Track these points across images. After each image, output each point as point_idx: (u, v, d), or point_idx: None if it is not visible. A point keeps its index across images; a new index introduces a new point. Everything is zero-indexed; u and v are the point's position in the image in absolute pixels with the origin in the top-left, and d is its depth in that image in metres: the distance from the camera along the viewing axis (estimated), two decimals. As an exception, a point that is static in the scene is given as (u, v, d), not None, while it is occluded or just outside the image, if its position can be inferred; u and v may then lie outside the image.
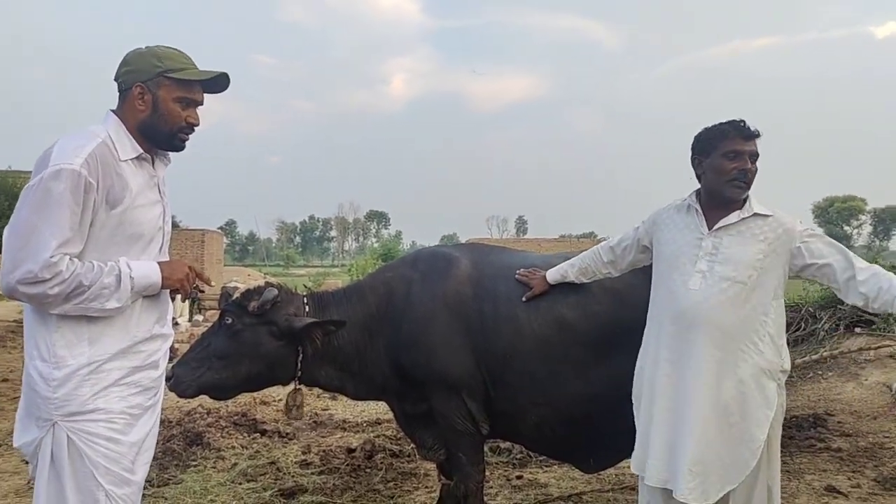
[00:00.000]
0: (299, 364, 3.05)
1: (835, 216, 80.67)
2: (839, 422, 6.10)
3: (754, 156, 2.54)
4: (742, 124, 2.55)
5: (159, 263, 2.11)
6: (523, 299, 3.09)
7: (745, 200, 2.57)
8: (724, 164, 2.53)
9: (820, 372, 8.35)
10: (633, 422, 2.81)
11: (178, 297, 2.31)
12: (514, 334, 3.03)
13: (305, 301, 3.20)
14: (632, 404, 2.78)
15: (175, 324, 11.37)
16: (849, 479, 4.47)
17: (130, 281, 1.99)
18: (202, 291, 2.44)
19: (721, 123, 2.58)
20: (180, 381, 2.87)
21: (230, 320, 3.00)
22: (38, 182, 1.88)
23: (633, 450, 2.69)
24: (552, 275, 3.06)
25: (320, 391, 7.85)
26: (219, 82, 2.20)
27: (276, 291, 3.02)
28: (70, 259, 1.89)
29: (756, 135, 2.55)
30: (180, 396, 2.97)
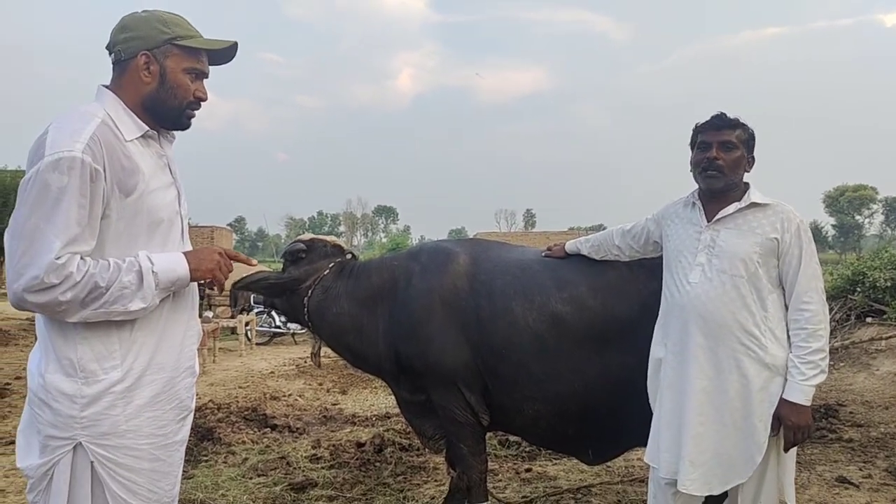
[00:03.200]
0: (306, 313, 3.40)
1: (846, 205, 79.97)
2: (850, 412, 6.07)
3: (726, 144, 2.53)
4: (717, 115, 2.58)
5: (185, 254, 1.87)
6: (542, 254, 3.27)
7: (744, 191, 2.56)
8: (696, 156, 2.61)
9: (831, 362, 8.28)
10: (631, 416, 2.83)
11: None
12: (509, 329, 3.04)
13: (331, 266, 3.47)
14: (628, 397, 2.83)
15: (207, 312, 11.36)
16: (860, 469, 4.46)
17: (154, 276, 1.75)
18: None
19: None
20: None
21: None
22: (34, 175, 1.63)
23: (632, 442, 2.70)
24: (570, 246, 3.22)
25: (329, 386, 7.90)
26: (226, 53, 1.98)
27: (300, 246, 3.51)
28: (82, 259, 1.66)
29: (729, 124, 2.55)
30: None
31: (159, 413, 1.85)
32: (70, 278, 1.63)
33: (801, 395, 2.36)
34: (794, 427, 2.37)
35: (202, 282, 1.96)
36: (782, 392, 2.41)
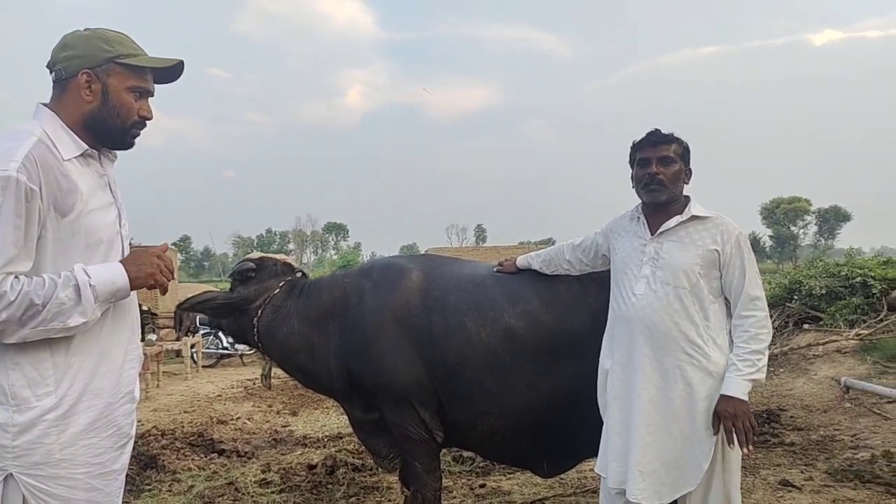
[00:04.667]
0: (256, 334, 3.35)
1: (781, 217, 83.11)
2: (791, 416, 6.27)
3: (665, 159, 2.61)
4: (652, 132, 2.66)
5: (122, 262, 1.82)
6: (494, 270, 3.27)
7: (685, 205, 2.64)
8: (637, 173, 2.68)
9: (771, 368, 8.59)
10: (584, 427, 2.87)
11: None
12: (462, 345, 3.04)
13: (282, 285, 3.41)
14: (582, 409, 2.86)
15: (150, 335, 10.93)
16: (802, 472, 4.59)
17: (92, 290, 1.69)
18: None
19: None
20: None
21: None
22: None
23: (586, 453, 2.72)
24: (521, 261, 3.23)
25: (279, 408, 7.73)
26: (172, 72, 1.94)
27: (249, 265, 3.46)
28: (15, 277, 1.61)
29: (665, 139, 2.64)
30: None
31: (96, 441, 1.78)
32: (4, 297, 1.58)
33: (737, 388, 2.40)
34: (732, 417, 2.38)
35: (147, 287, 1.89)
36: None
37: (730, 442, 2.40)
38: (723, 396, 2.43)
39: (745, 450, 2.42)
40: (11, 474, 1.66)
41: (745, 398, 2.42)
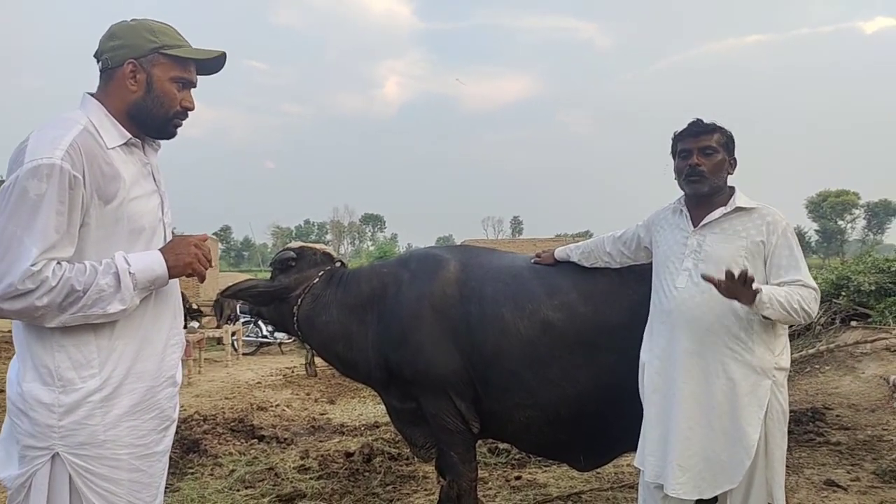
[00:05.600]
0: (295, 322, 3.38)
1: (828, 211, 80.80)
2: (837, 415, 6.10)
3: (707, 150, 2.55)
4: (693, 122, 2.61)
5: (161, 250, 1.84)
6: (532, 261, 3.24)
7: (730, 196, 2.58)
8: (679, 164, 2.63)
9: (817, 366, 8.37)
10: (623, 420, 2.84)
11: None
12: (499, 336, 3.03)
13: (321, 274, 3.45)
14: (620, 403, 2.84)
15: (193, 322, 11.18)
16: (848, 472, 4.47)
17: (131, 277, 1.72)
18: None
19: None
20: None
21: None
22: (13, 182, 1.63)
23: (624, 447, 2.70)
24: (559, 253, 3.20)
25: (317, 396, 7.84)
26: (215, 63, 1.96)
27: (290, 254, 3.50)
28: (58, 263, 1.65)
29: (706, 129, 2.58)
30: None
31: (139, 423, 1.83)
32: (46, 283, 1.62)
33: (763, 293, 2.27)
34: (725, 287, 2.26)
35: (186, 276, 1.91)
36: (770, 396, 2.41)
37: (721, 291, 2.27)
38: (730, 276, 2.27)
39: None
40: (58, 454, 1.71)
41: (753, 299, 2.26)
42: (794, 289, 2.38)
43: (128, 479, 1.80)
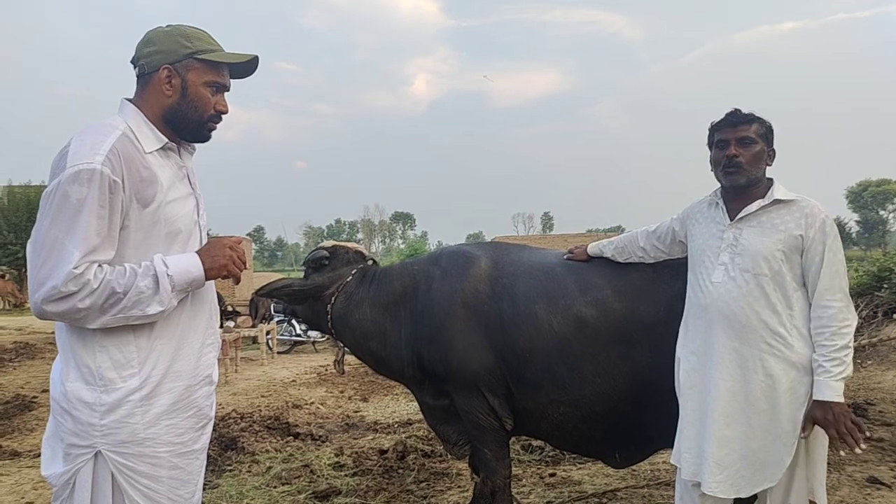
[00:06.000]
0: (329, 320, 3.42)
1: (869, 200, 78.52)
2: (880, 411, 5.95)
3: (745, 140, 2.50)
4: (731, 112, 2.55)
5: (198, 252, 1.89)
6: (564, 257, 3.23)
7: (768, 188, 2.52)
8: (716, 155, 2.58)
9: (859, 361, 8.16)
10: (658, 417, 2.81)
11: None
12: (532, 332, 3.02)
13: (354, 272, 3.49)
14: (655, 399, 2.81)
15: (228, 322, 11.38)
16: (891, 469, 4.36)
17: (169, 279, 1.77)
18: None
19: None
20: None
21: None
22: (55, 187, 1.67)
23: (660, 444, 2.66)
24: (592, 248, 3.18)
25: (351, 394, 7.91)
26: (247, 67, 2.00)
27: (323, 253, 3.55)
28: (99, 266, 1.69)
29: (744, 119, 2.52)
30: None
31: (177, 421, 1.87)
32: (88, 285, 1.66)
33: (830, 391, 2.30)
34: (833, 424, 2.28)
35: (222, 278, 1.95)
36: (811, 392, 2.36)
37: (841, 450, 2.29)
38: (817, 402, 2.32)
39: (859, 449, 2.28)
40: (100, 451, 1.76)
41: (841, 399, 2.30)
42: (830, 336, 2.33)
43: (167, 476, 1.84)
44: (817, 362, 2.34)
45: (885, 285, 10.00)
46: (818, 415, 2.30)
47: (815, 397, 2.33)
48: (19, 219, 27.06)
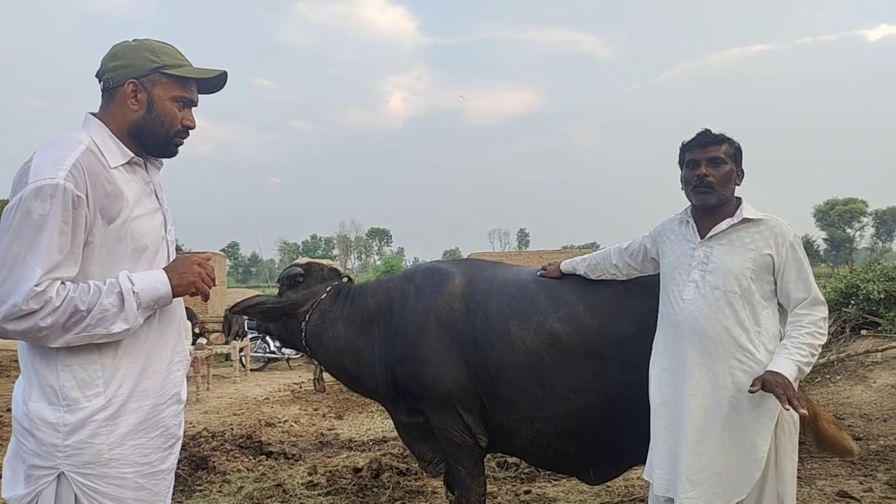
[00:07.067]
0: (303, 338, 3.42)
1: (836, 219, 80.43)
2: (849, 425, 6.05)
3: (715, 160, 2.55)
4: (702, 132, 2.60)
5: (165, 269, 1.85)
6: (538, 274, 3.24)
7: (737, 207, 2.58)
8: (686, 175, 2.63)
9: (828, 375, 8.31)
10: (632, 433, 2.82)
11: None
12: (505, 349, 3.03)
13: (328, 290, 3.48)
14: (629, 415, 2.83)
15: (201, 339, 11.17)
16: (861, 483, 4.43)
17: (135, 297, 1.73)
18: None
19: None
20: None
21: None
22: (17, 203, 1.63)
23: (634, 460, 2.67)
24: (565, 266, 3.20)
25: (325, 411, 7.83)
26: (216, 82, 1.98)
27: (297, 270, 3.53)
28: (62, 283, 1.64)
29: (715, 140, 2.58)
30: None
31: (144, 441, 1.82)
32: (49, 303, 1.61)
33: (786, 367, 2.29)
34: (783, 386, 2.24)
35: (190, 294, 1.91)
36: (779, 407, 2.38)
37: (784, 405, 2.24)
38: (769, 370, 2.31)
39: (803, 410, 2.24)
40: (64, 473, 1.70)
41: (791, 378, 2.28)
42: (802, 332, 2.37)
43: (133, 498, 1.80)
44: (783, 345, 2.38)
45: (853, 301, 10.22)
46: (768, 377, 2.28)
47: (769, 367, 2.32)
48: None
